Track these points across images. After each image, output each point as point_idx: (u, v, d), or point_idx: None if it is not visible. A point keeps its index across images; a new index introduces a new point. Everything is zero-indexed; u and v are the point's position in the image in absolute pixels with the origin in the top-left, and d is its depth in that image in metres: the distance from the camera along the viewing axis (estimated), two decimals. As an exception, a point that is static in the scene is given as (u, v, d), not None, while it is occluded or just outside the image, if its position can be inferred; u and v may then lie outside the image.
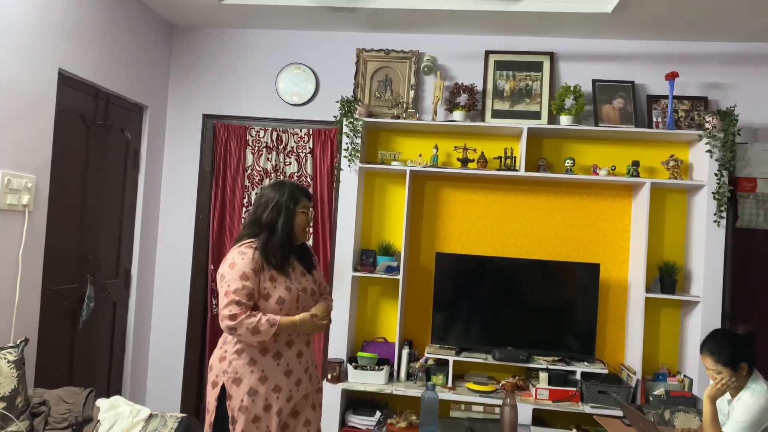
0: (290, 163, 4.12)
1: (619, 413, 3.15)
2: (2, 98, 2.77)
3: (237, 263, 2.30)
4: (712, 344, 2.61)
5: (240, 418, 2.28)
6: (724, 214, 3.53)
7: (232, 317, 2.22)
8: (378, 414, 3.51)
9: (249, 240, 2.38)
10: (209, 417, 2.36)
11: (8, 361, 2.50)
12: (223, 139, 4.18)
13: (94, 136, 3.51)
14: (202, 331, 4.22)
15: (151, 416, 2.66)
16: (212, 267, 4.14)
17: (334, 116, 3.89)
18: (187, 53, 4.26)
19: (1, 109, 2.76)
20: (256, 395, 2.29)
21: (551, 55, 3.95)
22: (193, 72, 4.25)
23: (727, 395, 2.64)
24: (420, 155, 3.90)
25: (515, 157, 3.82)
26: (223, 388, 2.31)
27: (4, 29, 2.76)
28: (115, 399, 2.75)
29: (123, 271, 3.88)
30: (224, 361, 2.33)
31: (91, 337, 3.54)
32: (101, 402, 2.72)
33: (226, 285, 2.27)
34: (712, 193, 3.53)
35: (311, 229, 2.58)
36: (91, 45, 3.38)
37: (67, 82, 3.23)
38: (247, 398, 2.28)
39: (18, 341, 2.63)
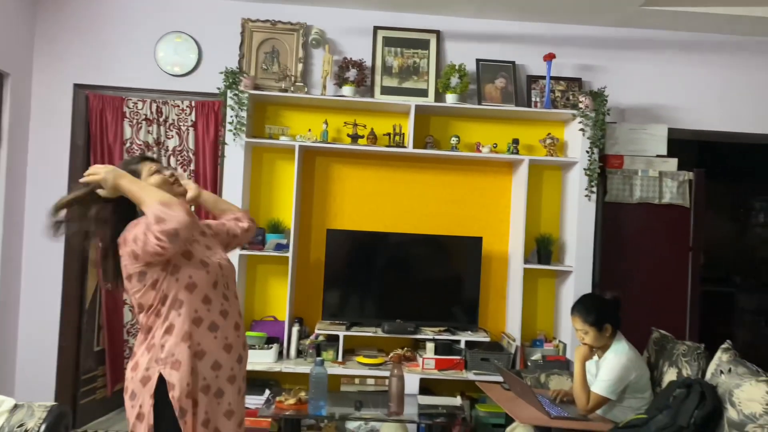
0: (172, 136, 3.93)
1: (500, 379, 3.31)
2: None
3: (140, 221, 1.92)
4: (582, 306, 2.81)
5: (188, 407, 1.91)
6: (594, 190, 3.78)
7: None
8: (267, 392, 3.47)
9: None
10: (144, 424, 1.92)
11: None
12: (97, 110, 3.91)
13: (-55, 105, 3.17)
14: (79, 317, 3.98)
15: (16, 407, 2.47)
16: (101, 244, 3.89)
17: (218, 88, 3.74)
18: (55, 17, 3.92)
19: None
20: (194, 374, 1.94)
21: (438, 33, 4.02)
22: (62, 38, 3.92)
23: (595, 356, 2.84)
24: (309, 130, 3.85)
25: (404, 134, 3.87)
26: (160, 380, 1.92)
27: None
28: (-26, 391, 2.53)
29: (-16, 253, 3.56)
30: (153, 348, 1.96)
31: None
32: (-42, 395, 2.49)
33: (141, 229, 1.88)
34: (584, 169, 3.76)
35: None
36: (-63, 2, 3.03)
37: None
38: (191, 380, 1.93)
39: None
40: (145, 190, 1.95)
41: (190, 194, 2.19)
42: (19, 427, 2.38)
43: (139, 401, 1.95)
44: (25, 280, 3.89)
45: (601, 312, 2.78)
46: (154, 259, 1.92)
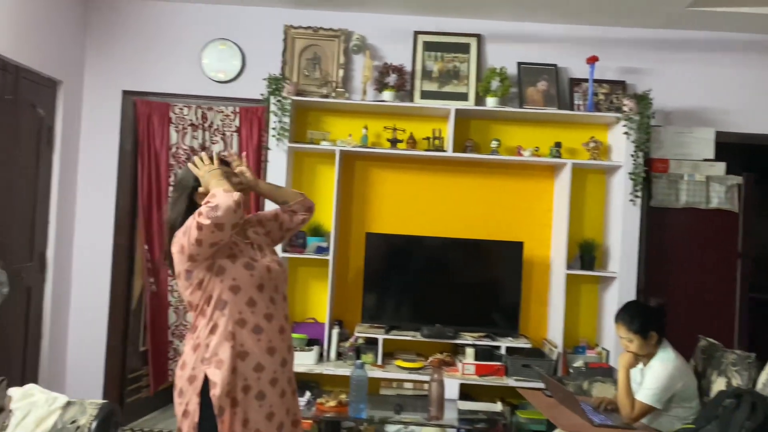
0: (216, 141, 4.01)
1: (542, 386, 3.28)
2: None
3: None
4: (626, 314, 2.76)
5: (226, 405, 1.95)
6: (639, 194, 3.71)
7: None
8: (308, 394, 3.50)
9: None
10: (189, 421, 1.99)
11: None
12: (145, 116, 4.02)
13: (3, 112, 3.29)
14: (125, 317, 4.09)
15: (68, 404, 2.54)
16: (146, 247, 4.02)
17: (262, 94, 3.81)
18: (105, 26, 4.05)
19: None
20: (235, 373, 1.97)
21: (478, 37, 4.00)
22: (111, 46, 4.05)
23: (640, 364, 2.79)
24: (350, 135, 3.88)
25: (443, 137, 3.86)
26: (206, 379, 1.97)
27: None
28: (30, 387, 2.62)
29: (37, 254, 3.68)
30: (199, 348, 2.01)
31: (2, 325, 3.35)
32: (14, 391, 2.58)
33: (190, 219, 1.96)
34: (629, 173, 3.70)
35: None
36: (-4, 13, 3.17)
37: (-31, 53, 3.01)
38: (232, 379, 1.97)
39: None
40: (219, 185, 2.01)
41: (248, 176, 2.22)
42: (71, 423, 2.46)
43: (186, 399, 2.02)
44: (75, 281, 4.02)
45: (646, 319, 2.73)
46: (197, 250, 1.95)
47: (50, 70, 3.66)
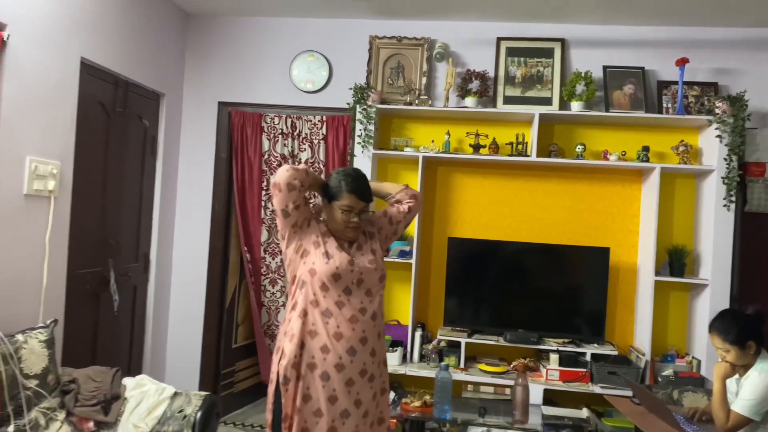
0: (304, 149, 4.19)
1: (629, 393, 3.22)
2: (28, 87, 2.84)
3: None
4: (720, 323, 2.68)
5: (292, 377, 2.14)
6: (733, 199, 3.58)
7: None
8: (392, 394, 3.59)
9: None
10: (272, 387, 2.22)
11: (39, 341, 2.60)
12: (239, 126, 4.24)
13: (114, 124, 3.59)
14: (219, 316, 4.32)
15: (176, 394, 2.75)
16: (245, 248, 4.25)
17: (348, 103, 3.95)
18: (203, 41, 4.32)
19: (26, 98, 2.84)
20: (303, 349, 2.16)
21: (562, 42, 3.99)
22: (208, 60, 4.31)
23: (736, 374, 2.70)
24: (432, 141, 3.96)
25: (527, 142, 3.87)
26: (283, 352, 2.19)
27: (28, 20, 2.83)
28: (141, 378, 2.85)
29: (142, 255, 3.97)
30: (285, 323, 2.24)
31: (112, 319, 3.63)
32: (127, 380, 2.81)
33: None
34: (722, 177, 3.58)
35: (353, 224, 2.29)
36: (110, 34, 3.45)
37: (88, 71, 3.30)
38: (299, 353, 2.15)
39: (48, 322, 2.73)
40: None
41: None
42: (179, 412, 2.66)
43: (273, 367, 2.24)
44: (174, 281, 4.29)
45: (743, 329, 2.64)
46: (279, 224, 2.24)
47: (154, 84, 3.94)
